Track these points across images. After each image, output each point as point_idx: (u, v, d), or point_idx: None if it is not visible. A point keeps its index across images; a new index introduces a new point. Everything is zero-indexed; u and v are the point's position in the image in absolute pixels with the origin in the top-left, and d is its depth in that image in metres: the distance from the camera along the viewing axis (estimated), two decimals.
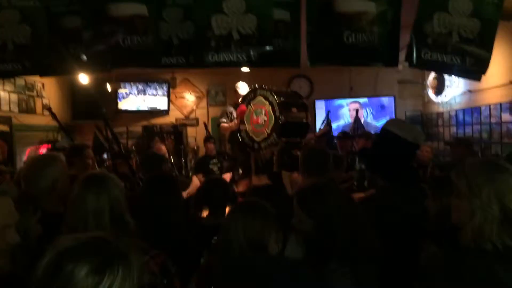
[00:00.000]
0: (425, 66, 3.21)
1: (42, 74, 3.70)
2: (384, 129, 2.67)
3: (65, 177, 2.63)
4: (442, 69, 3.34)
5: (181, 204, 2.70)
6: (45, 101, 7.58)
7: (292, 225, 2.07)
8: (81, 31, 3.09)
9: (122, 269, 1.05)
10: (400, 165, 2.56)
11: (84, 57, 3.18)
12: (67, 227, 1.91)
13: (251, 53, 3.05)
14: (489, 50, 3.06)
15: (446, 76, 7.60)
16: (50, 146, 6.08)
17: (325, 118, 7.10)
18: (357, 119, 7.61)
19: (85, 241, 1.08)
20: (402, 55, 3.30)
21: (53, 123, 7.60)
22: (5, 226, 1.59)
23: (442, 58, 3.06)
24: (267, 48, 3.07)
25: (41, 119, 7.15)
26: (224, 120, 5.96)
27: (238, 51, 3.04)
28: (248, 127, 5.07)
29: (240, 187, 5.61)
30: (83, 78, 7.51)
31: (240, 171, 5.81)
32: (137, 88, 8.85)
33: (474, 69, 3.08)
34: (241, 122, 5.15)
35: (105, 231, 1.79)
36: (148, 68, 3.38)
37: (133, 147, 8.32)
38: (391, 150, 2.55)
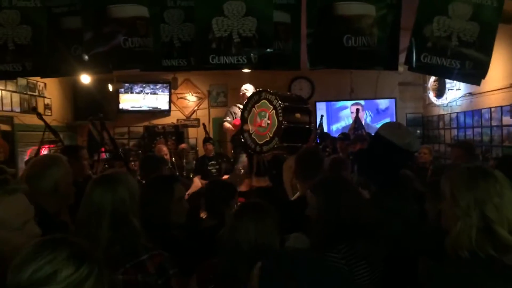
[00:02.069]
0: (424, 70, 3.21)
1: (43, 75, 3.70)
2: (377, 133, 2.62)
3: (68, 178, 2.63)
4: (442, 73, 3.33)
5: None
6: (47, 101, 7.60)
7: (306, 215, 2.20)
8: (82, 32, 3.10)
9: (98, 268, 1.07)
10: (391, 171, 2.51)
11: (85, 58, 3.18)
12: (76, 224, 1.95)
13: (252, 55, 3.05)
14: (488, 54, 3.06)
15: (447, 79, 7.60)
16: (53, 146, 6.09)
17: (320, 121, 7.20)
18: (357, 119, 7.61)
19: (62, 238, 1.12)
20: (402, 58, 3.29)
21: (55, 123, 7.69)
22: (26, 221, 1.60)
23: (441, 62, 3.05)
24: (267, 50, 3.08)
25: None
26: (229, 119, 5.98)
27: (239, 54, 3.05)
28: (251, 129, 5.09)
29: (242, 187, 5.63)
30: (85, 78, 7.53)
31: (242, 170, 5.83)
32: (138, 88, 8.87)
33: (473, 72, 3.08)
34: (239, 131, 5.27)
35: (104, 231, 1.83)
36: (150, 70, 3.38)
37: (134, 148, 8.35)
38: (383, 156, 2.49)
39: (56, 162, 2.63)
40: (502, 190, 1.54)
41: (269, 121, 4.87)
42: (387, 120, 8.56)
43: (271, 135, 4.84)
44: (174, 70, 3.29)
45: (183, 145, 8.23)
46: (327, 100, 9.12)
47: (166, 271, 1.84)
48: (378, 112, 8.91)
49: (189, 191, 6.10)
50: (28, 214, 1.65)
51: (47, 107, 7.62)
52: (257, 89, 5.19)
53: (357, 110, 7.92)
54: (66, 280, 1.02)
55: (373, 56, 3.13)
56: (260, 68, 3.13)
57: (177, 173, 6.57)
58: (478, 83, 3.14)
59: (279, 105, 4.68)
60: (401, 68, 7.81)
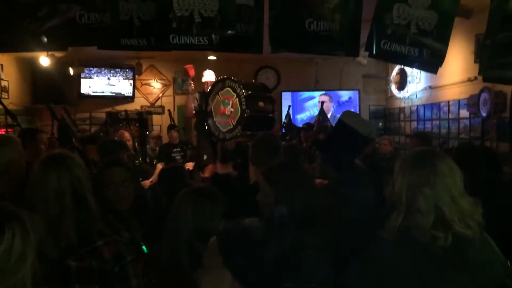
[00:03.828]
0: (384, 56, 3.27)
1: None
2: (341, 121, 2.71)
3: (20, 159, 2.53)
4: (400, 60, 3.41)
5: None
6: (4, 83, 7.32)
7: (257, 200, 2.05)
8: (35, 5, 2.97)
9: (19, 227, 1.05)
10: (352, 157, 2.66)
11: (42, 36, 3.06)
12: (26, 207, 1.83)
13: (213, 36, 3.01)
14: (445, 43, 3.14)
15: (408, 72, 7.77)
16: (11, 130, 5.86)
17: (287, 112, 7.25)
18: (321, 111, 7.68)
19: None
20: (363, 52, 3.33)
21: (12, 106, 7.40)
22: None
23: (400, 49, 3.12)
24: (229, 32, 3.04)
25: None
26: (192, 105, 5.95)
27: (200, 34, 3.00)
28: (215, 117, 5.09)
29: (206, 173, 5.60)
30: (44, 61, 7.28)
31: (205, 157, 5.81)
32: (100, 72, 8.65)
33: (431, 61, 3.16)
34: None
35: (66, 211, 1.75)
36: (107, 49, 3.28)
37: (100, 134, 8.14)
38: (346, 142, 2.61)
39: (8, 142, 2.53)
40: (435, 180, 1.53)
41: (232, 109, 4.87)
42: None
43: (234, 123, 4.86)
44: (133, 49, 3.20)
45: (155, 133, 8.09)
46: (292, 90, 9.16)
47: (123, 257, 1.77)
48: (339, 105, 9.02)
49: (152, 178, 6.02)
50: None
51: (4, 89, 7.34)
52: (221, 77, 5.19)
53: (322, 102, 7.99)
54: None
55: (334, 41, 3.15)
56: (222, 50, 3.10)
57: (140, 159, 6.47)
58: (435, 71, 3.22)
59: (242, 93, 4.69)
60: (364, 61, 7.90)
